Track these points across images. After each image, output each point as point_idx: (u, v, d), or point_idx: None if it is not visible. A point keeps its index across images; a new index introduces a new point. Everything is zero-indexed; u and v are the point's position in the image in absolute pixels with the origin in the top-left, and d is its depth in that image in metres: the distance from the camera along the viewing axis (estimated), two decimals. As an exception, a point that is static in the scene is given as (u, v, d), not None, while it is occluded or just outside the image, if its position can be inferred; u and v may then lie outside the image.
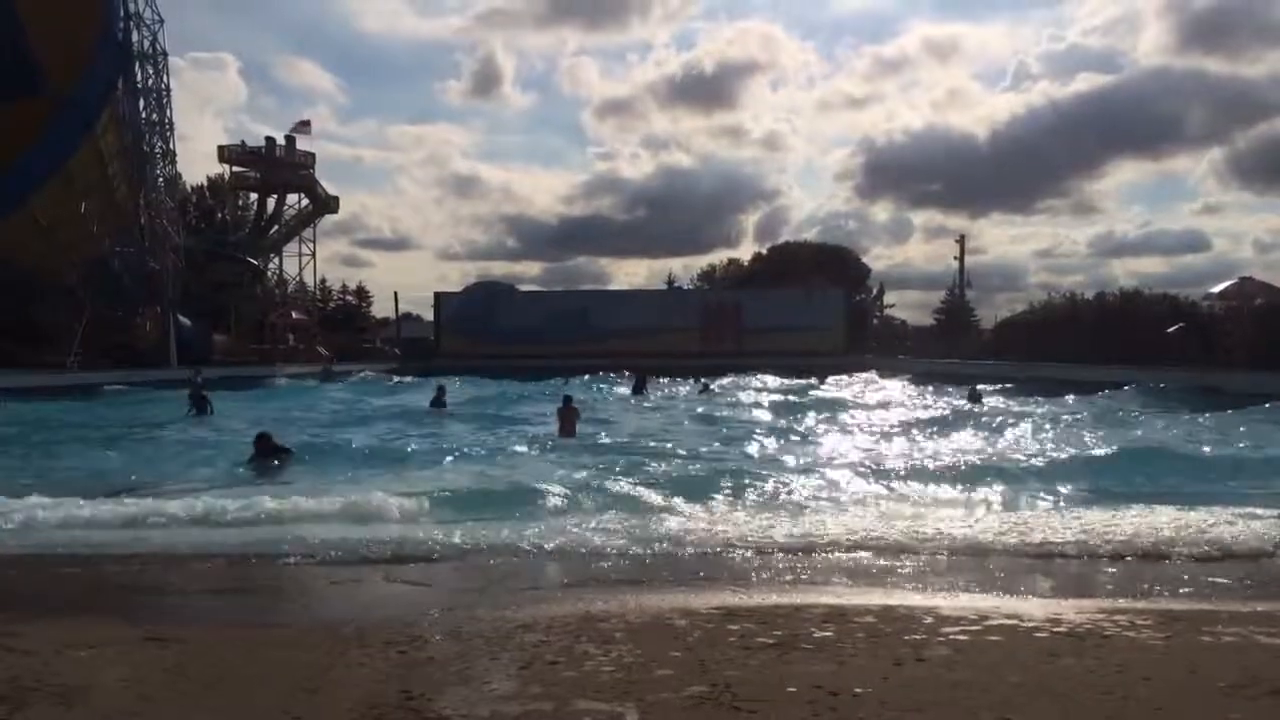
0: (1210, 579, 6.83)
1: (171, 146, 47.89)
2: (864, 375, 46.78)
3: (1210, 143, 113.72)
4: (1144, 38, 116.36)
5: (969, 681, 4.26)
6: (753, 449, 16.75)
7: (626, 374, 42.40)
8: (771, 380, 41.48)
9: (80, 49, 40.28)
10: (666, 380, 41.64)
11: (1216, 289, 37.70)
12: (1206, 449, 15.61)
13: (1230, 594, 6.35)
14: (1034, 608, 5.74)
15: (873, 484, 12.09)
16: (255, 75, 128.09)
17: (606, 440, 18.07)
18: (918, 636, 5.02)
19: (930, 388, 35.50)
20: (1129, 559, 7.64)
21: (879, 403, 30.19)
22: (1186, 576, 6.91)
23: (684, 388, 37.84)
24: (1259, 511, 9.17)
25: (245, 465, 14.51)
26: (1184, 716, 3.87)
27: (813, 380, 40.15)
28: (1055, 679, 4.32)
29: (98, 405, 27.30)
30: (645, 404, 30.99)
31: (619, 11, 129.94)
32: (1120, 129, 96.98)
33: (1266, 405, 21.69)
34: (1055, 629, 5.17)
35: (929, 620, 5.35)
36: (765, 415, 25.02)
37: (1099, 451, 15.04)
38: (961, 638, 4.99)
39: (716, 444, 17.67)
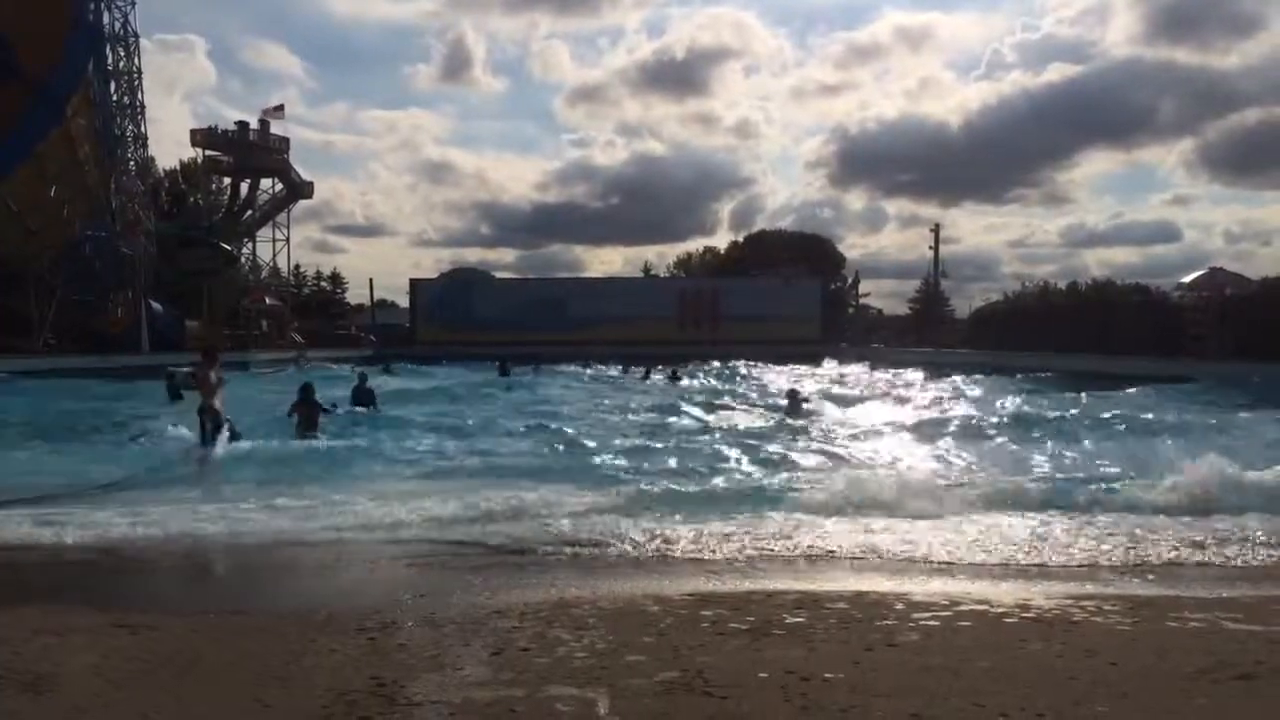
0: (1178, 568, 6.91)
1: (143, 130, 47.47)
2: (830, 363, 47.54)
3: (1181, 134, 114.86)
4: (1115, 29, 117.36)
5: (939, 667, 4.30)
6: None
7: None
8: (742, 367, 41.89)
9: (53, 32, 39.69)
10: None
11: (1187, 279, 38.09)
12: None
13: (1197, 580, 6.43)
14: (1004, 593, 5.79)
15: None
16: (222, 58, 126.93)
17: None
18: (889, 622, 5.06)
19: (891, 373, 36.38)
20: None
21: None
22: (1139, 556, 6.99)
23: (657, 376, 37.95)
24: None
25: (289, 415, 15.56)
26: (1151, 701, 3.91)
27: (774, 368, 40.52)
28: (1024, 664, 4.36)
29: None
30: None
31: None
32: (1091, 119, 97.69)
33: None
34: (1024, 614, 5.23)
35: (900, 606, 5.39)
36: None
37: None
38: (932, 623, 5.04)
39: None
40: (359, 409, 18.50)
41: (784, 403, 23.26)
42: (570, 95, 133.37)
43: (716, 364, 42.90)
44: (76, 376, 30.59)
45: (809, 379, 34.63)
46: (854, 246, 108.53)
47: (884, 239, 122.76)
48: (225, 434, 12.99)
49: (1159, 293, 37.05)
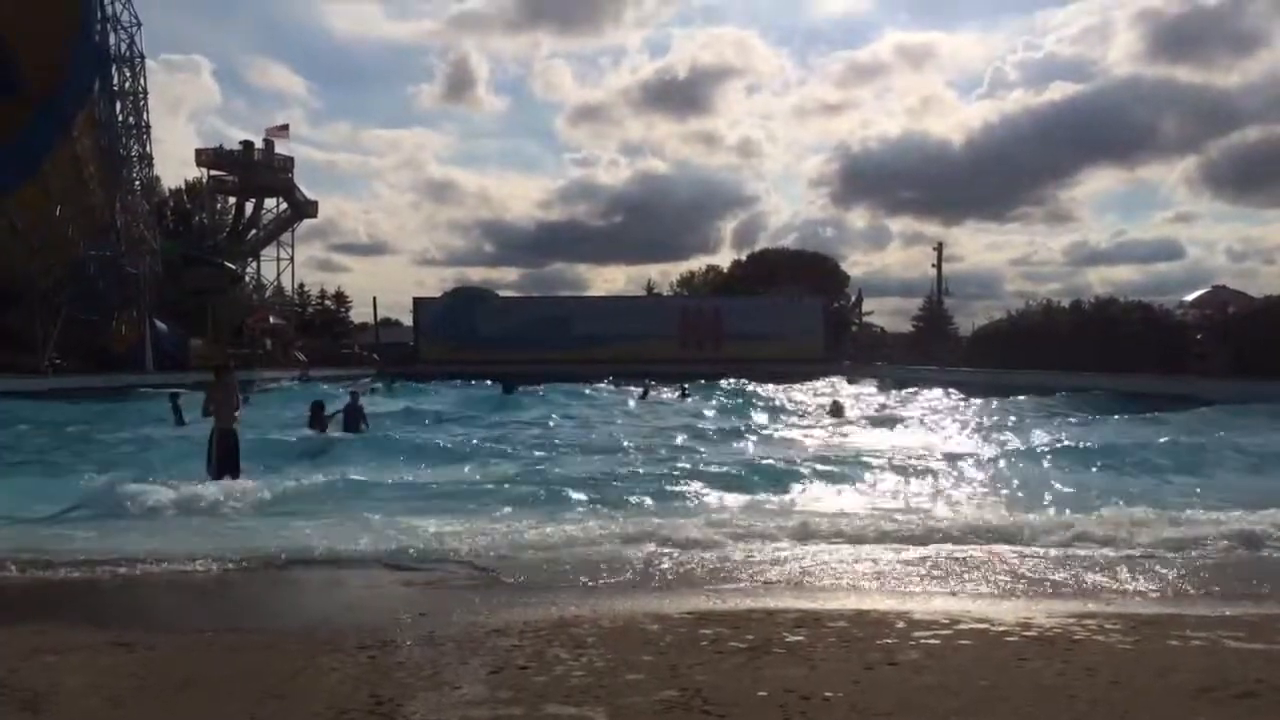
0: (1179, 583, 6.89)
1: (148, 150, 47.67)
2: (832, 379, 47.39)
3: (1183, 152, 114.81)
4: (1117, 47, 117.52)
5: (939, 685, 4.28)
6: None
7: (610, 378, 43.03)
8: (748, 385, 41.78)
9: (57, 51, 40.00)
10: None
11: (1190, 297, 38.09)
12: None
13: (1198, 598, 6.40)
14: (1005, 612, 5.77)
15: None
16: (227, 78, 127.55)
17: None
18: (889, 641, 5.04)
19: (902, 393, 36.24)
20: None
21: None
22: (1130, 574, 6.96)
23: (666, 393, 37.82)
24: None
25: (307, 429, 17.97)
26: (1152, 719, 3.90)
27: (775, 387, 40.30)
28: (1024, 683, 4.34)
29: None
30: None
31: (591, 15, 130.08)
32: (1094, 137, 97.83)
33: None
34: (1025, 633, 5.21)
35: (901, 625, 5.37)
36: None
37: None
38: (933, 642, 5.02)
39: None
40: (348, 433, 18.37)
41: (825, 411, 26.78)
42: (573, 114, 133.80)
43: (726, 383, 42.52)
44: (79, 398, 30.57)
45: (822, 396, 34.68)
46: (857, 264, 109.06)
47: (887, 257, 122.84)
48: (235, 468, 12.39)
49: (1162, 310, 36.89)
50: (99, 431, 20.49)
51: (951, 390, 34.80)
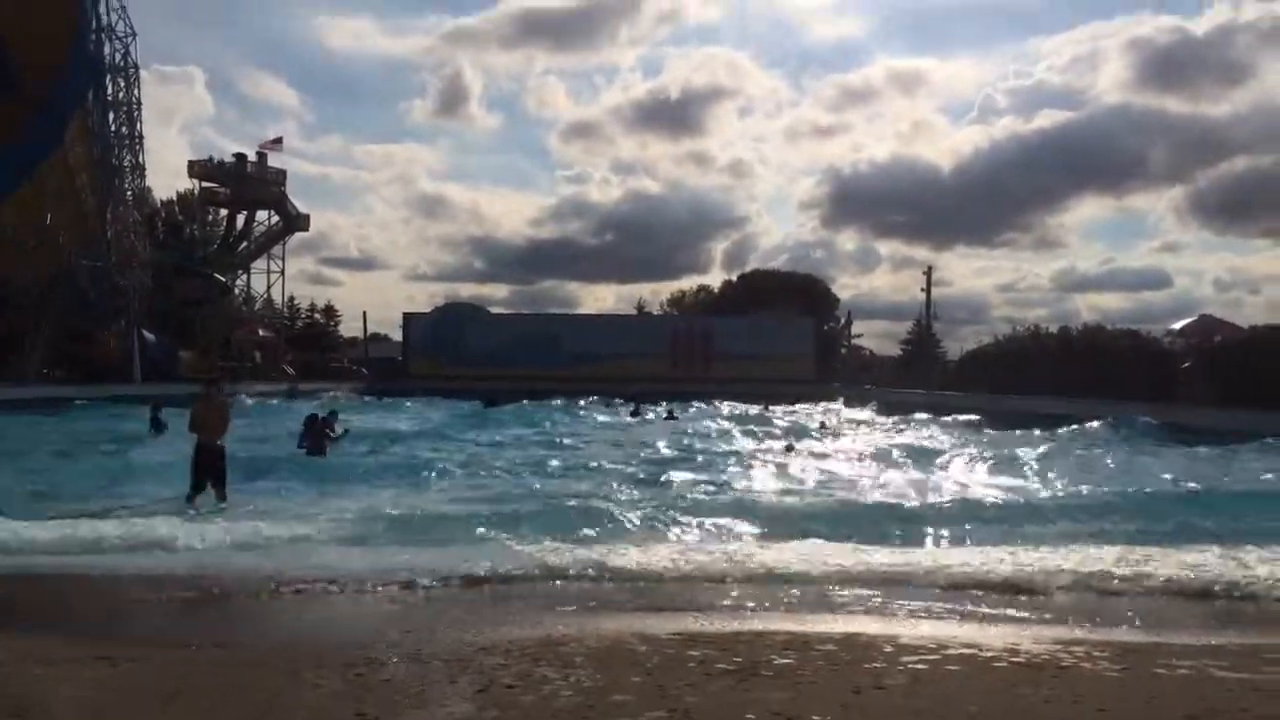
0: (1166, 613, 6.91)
1: (141, 160, 47.50)
2: (829, 404, 46.95)
3: (1171, 181, 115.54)
4: (1106, 75, 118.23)
5: (927, 710, 4.28)
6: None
7: (597, 397, 43.04)
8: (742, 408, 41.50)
9: (53, 60, 39.94)
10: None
11: (1177, 325, 38.33)
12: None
13: (1185, 627, 6.42)
14: (993, 638, 5.77)
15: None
16: (220, 90, 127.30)
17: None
18: (877, 665, 5.03)
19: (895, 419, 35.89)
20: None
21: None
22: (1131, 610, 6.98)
23: (655, 412, 37.61)
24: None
25: (299, 446, 17.18)
26: (1137, 747, 3.90)
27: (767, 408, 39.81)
28: (1012, 709, 4.34)
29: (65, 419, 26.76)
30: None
31: (586, 33, 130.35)
32: (1082, 165, 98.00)
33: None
34: (1013, 659, 5.20)
35: (889, 649, 5.36)
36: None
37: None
38: (920, 667, 5.01)
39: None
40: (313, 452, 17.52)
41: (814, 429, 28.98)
42: (565, 132, 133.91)
43: (718, 405, 42.05)
44: (65, 410, 30.29)
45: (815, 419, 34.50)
46: (846, 287, 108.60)
47: (876, 280, 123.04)
48: (221, 482, 11.82)
49: (1150, 338, 37.04)
50: (68, 445, 20.00)
51: (958, 417, 33.65)
